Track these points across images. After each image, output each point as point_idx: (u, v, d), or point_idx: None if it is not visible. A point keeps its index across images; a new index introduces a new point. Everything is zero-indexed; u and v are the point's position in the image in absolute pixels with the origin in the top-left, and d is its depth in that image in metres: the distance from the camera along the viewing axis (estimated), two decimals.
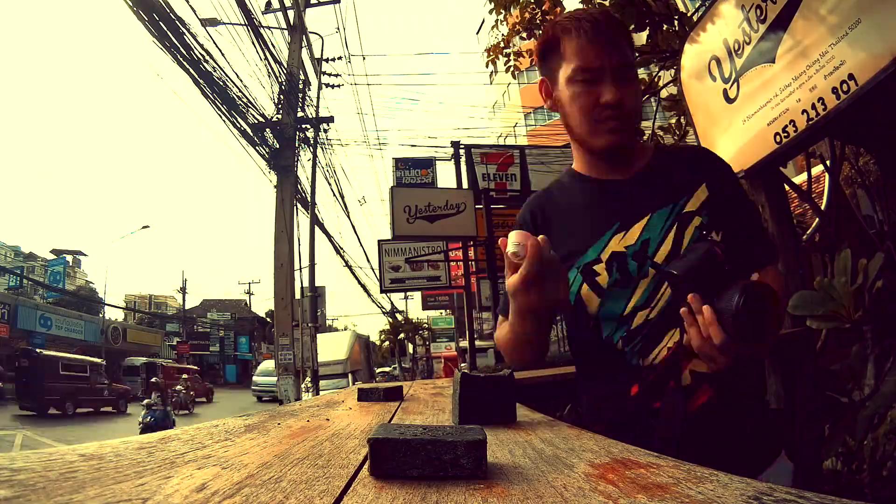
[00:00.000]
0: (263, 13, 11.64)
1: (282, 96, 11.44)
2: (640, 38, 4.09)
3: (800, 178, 5.46)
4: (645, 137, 5.09)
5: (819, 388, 2.64)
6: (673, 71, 4.04)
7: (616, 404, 1.13)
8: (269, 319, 40.06)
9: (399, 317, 36.87)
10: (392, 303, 32.22)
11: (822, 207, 4.17)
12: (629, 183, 1.18)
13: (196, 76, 8.87)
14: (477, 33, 35.62)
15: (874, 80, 2.21)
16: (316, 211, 13.99)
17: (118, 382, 27.20)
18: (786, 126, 2.74)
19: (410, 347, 41.57)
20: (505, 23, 5.39)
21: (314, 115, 13.55)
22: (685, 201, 1.12)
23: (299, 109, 12.13)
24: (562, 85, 1.14)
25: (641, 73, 4.67)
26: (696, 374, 1.03)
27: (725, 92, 3.21)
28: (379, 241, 11.74)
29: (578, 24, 1.10)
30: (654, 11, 3.85)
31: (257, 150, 10.99)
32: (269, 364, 22.61)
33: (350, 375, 24.40)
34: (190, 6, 9.03)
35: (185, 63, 8.56)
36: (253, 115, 10.56)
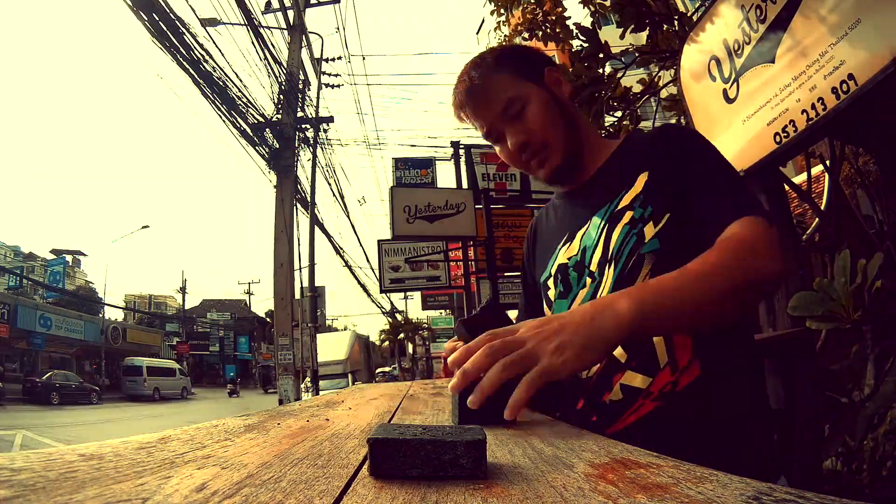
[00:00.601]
0: (263, 13, 11.66)
1: (281, 96, 11.45)
2: (640, 38, 4.09)
3: (800, 178, 5.47)
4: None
5: (819, 388, 2.65)
6: (673, 71, 4.04)
7: (570, 419, 0.98)
8: (269, 319, 40.08)
9: (399, 317, 36.90)
10: (392, 303, 32.26)
11: (822, 207, 4.17)
12: (578, 192, 1.15)
13: (195, 76, 8.89)
14: (477, 33, 35.64)
15: (874, 80, 2.22)
16: (316, 211, 14.00)
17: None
18: (785, 126, 2.74)
19: (410, 347, 41.59)
20: (507, 24, 5.39)
21: (314, 115, 13.56)
22: (622, 196, 1.04)
23: (299, 109, 12.14)
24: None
25: (640, 73, 4.67)
26: (627, 387, 0.96)
27: (725, 92, 3.22)
28: (378, 241, 11.76)
29: (457, 106, 1.12)
30: (654, 11, 3.86)
31: (257, 151, 11.01)
32: None
33: (350, 375, 24.43)
34: (189, 6, 9.03)
35: (184, 63, 8.56)
36: (252, 115, 10.57)
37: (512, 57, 1.11)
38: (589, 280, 1.03)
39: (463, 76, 1.11)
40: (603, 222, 1.03)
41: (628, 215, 1.00)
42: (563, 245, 1.12)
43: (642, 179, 1.02)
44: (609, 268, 1.00)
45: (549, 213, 1.26)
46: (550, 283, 1.13)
